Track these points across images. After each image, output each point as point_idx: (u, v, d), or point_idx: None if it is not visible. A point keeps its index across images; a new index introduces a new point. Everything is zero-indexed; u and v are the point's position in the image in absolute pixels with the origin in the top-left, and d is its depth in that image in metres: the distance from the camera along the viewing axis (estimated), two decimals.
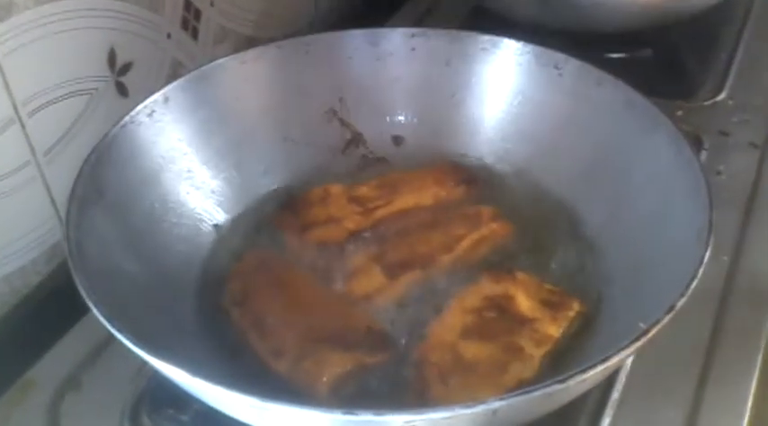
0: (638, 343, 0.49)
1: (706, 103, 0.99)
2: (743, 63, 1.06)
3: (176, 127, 0.74)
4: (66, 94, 0.79)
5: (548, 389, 0.47)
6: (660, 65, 1.05)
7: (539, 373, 0.61)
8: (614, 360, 0.49)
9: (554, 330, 0.64)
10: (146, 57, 0.88)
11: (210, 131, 0.77)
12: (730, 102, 0.99)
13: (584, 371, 0.47)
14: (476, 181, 0.80)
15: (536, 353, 0.62)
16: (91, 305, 0.52)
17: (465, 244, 0.72)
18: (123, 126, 0.69)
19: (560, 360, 0.62)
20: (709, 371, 0.67)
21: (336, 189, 0.78)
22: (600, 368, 0.48)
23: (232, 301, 0.68)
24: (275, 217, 0.76)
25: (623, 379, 0.66)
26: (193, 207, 0.75)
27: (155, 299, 0.63)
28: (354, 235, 0.73)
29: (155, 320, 0.61)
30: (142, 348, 0.50)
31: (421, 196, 0.78)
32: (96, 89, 0.82)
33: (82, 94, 0.81)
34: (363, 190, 0.78)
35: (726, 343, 0.69)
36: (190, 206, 0.75)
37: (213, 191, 0.77)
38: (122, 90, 0.85)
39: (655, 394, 0.65)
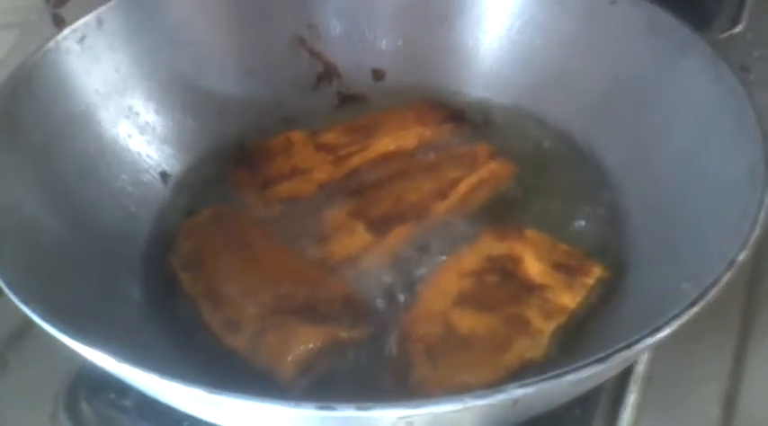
0: (694, 309, 0.43)
1: (722, 36, 0.91)
2: None
3: (113, 56, 0.68)
4: None
5: (583, 372, 0.39)
6: None
7: (548, 352, 0.54)
8: (666, 331, 0.42)
9: (569, 300, 0.57)
10: None
11: (154, 62, 0.71)
12: (749, 35, 0.92)
13: (629, 346, 0.41)
14: (463, 118, 0.73)
15: (546, 328, 0.56)
16: None
17: (462, 188, 0.66)
18: (46, 53, 0.63)
19: (576, 337, 0.56)
20: (747, 340, 0.62)
21: (298, 136, 0.72)
22: (648, 341, 0.41)
23: (182, 264, 0.62)
24: (230, 175, 0.70)
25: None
26: (136, 152, 0.68)
27: (87, 264, 0.58)
28: (327, 188, 0.67)
29: (86, 289, 0.55)
30: (52, 323, 0.43)
31: (402, 138, 0.71)
32: (28, 21, 0.78)
33: (11, 27, 0.77)
34: (331, 136, 0.72)
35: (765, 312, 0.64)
36: (132, 151, 0.68)
37: (159, 134, 0.70)
38: (60, 23, 0.80)
39: (686, 366, 0.60)
